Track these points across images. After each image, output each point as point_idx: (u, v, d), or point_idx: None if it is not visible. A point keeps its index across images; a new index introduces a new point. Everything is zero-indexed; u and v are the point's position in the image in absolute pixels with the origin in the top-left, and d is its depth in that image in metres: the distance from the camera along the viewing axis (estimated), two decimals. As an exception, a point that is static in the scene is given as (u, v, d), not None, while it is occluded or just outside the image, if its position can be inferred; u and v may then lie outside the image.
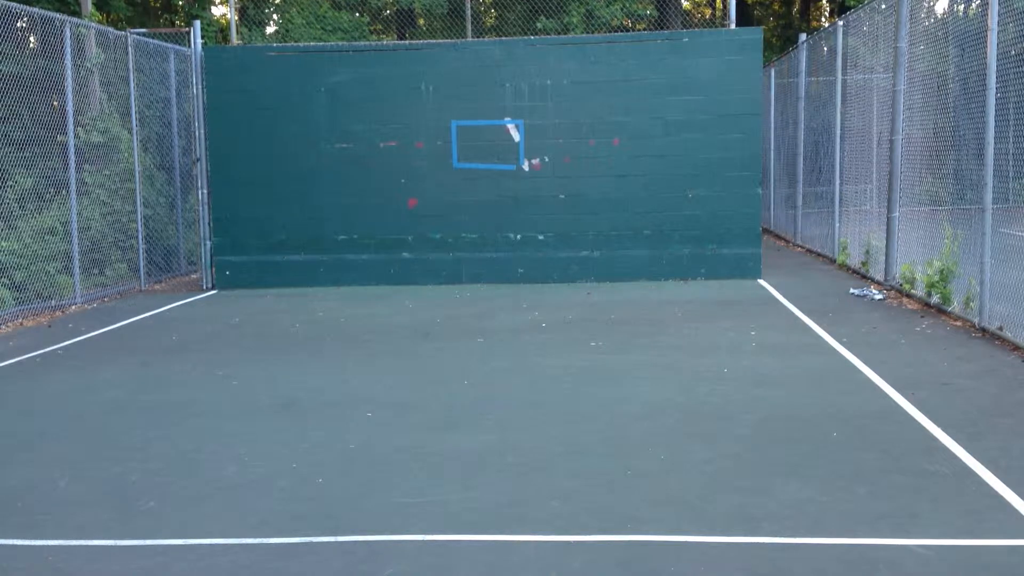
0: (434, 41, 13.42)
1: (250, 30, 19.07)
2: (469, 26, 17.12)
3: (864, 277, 11.77)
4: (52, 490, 4.94)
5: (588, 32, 17.17)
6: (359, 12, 19.85)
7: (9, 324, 9.99)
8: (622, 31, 17.89)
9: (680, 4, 22.07)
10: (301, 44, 13.89)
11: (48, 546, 4.23)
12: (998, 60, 7.86)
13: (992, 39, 7.87)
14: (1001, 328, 7.90)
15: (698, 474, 4.92)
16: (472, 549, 4.07)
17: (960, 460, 5.01)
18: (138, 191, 12.48)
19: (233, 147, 12.43)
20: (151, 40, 13.24)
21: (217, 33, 19.01)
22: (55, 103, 11.33)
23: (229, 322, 10.04)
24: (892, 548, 3.96)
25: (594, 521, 4.31)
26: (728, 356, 7.66)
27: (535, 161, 12.23)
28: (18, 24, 11.29)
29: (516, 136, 12.16)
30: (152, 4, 21.32)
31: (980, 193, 8.15)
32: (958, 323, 8.66)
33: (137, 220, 12.53)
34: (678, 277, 12.21)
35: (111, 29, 13.21)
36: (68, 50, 10.97)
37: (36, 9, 10.98)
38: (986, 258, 8.03)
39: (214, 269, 12.67)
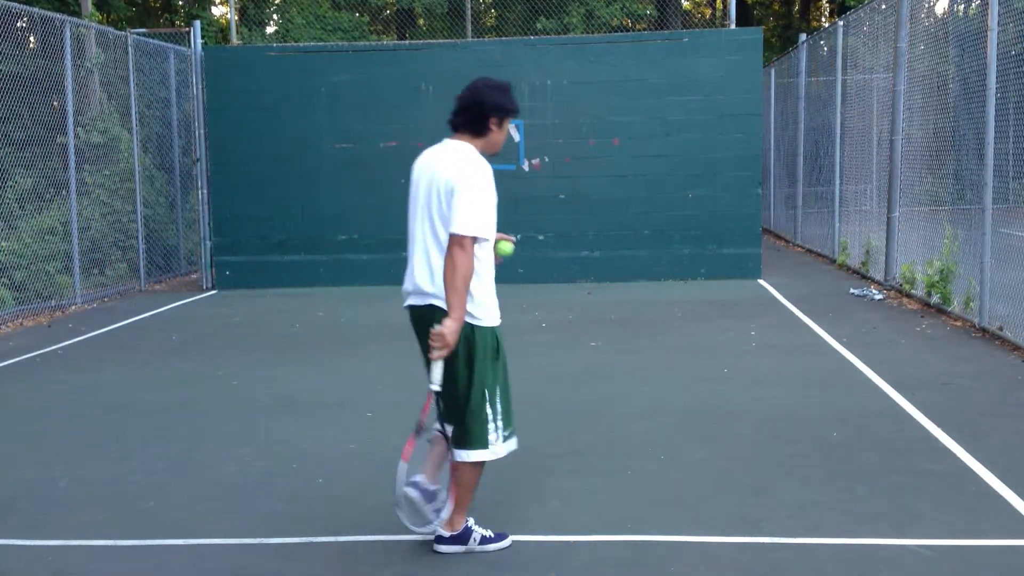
0: (434, 41, 13.42)
1: (250, 30, 19.06)
2: (469, 26, 17.11)
3: (864, 277, 11.77)
4: (52, 490, 4.94)
5: (588, 32, 17.16)
6: (359, 12, 19.84)
7: (9, 324, 9.99)
8: (622, 31, 17.88)
9: (680, 4, 22.07)
10: (301, 44, 13.89)
11: (48, 546, 4.22)
12: (998, 60, 7.86)
13: (992, 39, 7.87)
14: (1001, 328, 7.90)
15: (698, 474, 4.92)
16: (472, 549, 4.06)
17: (960, 460, 5.01)
18: (138, 191, 12.48)
19: (233, 147, 12.42)
20: (151, 40, 13.24)
21: (217, 33, 19.01)
22: (55, 103, 11.33)
23: (229, 322, 10.04)
24: (892, 548, 3.96)
25: (594, 521, 4.31)
26: (728, 356, 7.65)
27: (535, 161, 12.23)
28: (18, 24, 11.29)
29: (516, 136, 12.15)
30: (152, 4, 21.34)
31: (980, 193, 8.15)
32: (958, 323, 8.65)
33: (137, 220, 12.53)
34: (678, 277, 12.20)
35: (111, 29, 13.21)
36: (68, 50, 10.97)
37: (36, 9, 10.98)
38: (986, 258, 8.03)
39: (214, 269, 12.66)
